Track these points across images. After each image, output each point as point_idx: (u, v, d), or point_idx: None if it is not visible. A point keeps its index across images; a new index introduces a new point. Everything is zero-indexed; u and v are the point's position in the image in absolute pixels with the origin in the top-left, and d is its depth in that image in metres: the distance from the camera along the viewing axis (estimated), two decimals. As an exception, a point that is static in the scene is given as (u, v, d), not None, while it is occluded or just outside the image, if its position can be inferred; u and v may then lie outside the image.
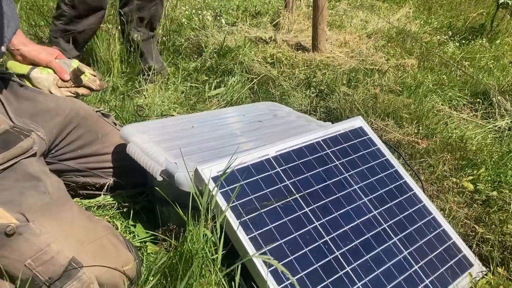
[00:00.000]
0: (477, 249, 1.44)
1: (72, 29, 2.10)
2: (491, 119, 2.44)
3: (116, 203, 1.49)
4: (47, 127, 1.31)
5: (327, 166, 1.37)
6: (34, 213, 1.03)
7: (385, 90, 2.48)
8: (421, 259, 1.29)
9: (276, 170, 1.28)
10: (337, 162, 1.40)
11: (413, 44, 3.47)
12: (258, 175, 1.24)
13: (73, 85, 1.51)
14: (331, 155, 1.41)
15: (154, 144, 1.39)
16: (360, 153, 1.47)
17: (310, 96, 2.48)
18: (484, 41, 3.76)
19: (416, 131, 2.00)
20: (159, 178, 1.28)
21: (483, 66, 3.12)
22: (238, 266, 0.97)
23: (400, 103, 2.26)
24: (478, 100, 2.63)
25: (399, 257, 1.26)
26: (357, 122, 1.56)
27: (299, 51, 3.09)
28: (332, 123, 1.61)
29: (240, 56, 2.64)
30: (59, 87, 1.47)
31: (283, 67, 2.75)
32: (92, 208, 1.47)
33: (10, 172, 1.09)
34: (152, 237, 1.38)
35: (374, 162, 1.47)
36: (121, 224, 1.42)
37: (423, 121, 2.09)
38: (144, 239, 1.38)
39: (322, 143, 1.43)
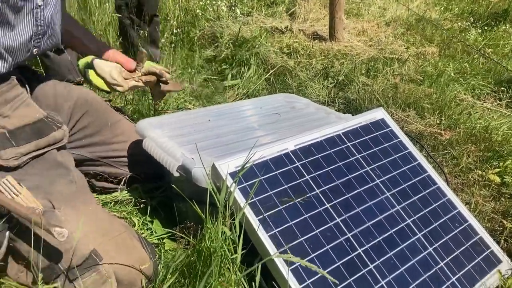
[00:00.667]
0: (505, 245, 1.39)
1: None
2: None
3: (133, 199, 1.47)
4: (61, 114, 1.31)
5: (348, 160, 1.33)
6: (60, 201, 1.04)
7: (406, 80, 2.41)
8: (447, 255, 1.24)
9: (295, 165, 1.24)
10: (358, 156, 1.36)
11: (434, 31, 3.38)
12: (277, 170, 1.21)
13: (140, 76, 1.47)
14: (352, 148, 1.37)
15: (170, 139, 1.36)
16: (382, 146, 1.42)
17: (328, 86, 2.42)
18: (507, 27, 3.64)
19: (438, 122, 1.94)
20: (176, 174, 1.25)
21: (507, 53, 3.02)
22: (258, 266, 0.93)
23: (421, 93, 2.19)
24: (502, 88, 2.54)
25: (423, 254, 1.21)
26: (378, 113, 1.51)
27: (316, 41, 3.02)
28: (352, 115, 1.56)
29: (256, 46, 2.59)
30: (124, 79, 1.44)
31: (299, 57, 2.70)
32: (109, 204, 1.46)
33: (41, 160, 1.11)
34: (169, 234, 1.35)
35: (397, 155, 1.42)
36: (138, 220, 1.40)
37: (446, 111, 2.02)
38: (161, 236, 1.36)
39: (342, 136, 1.39)
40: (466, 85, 2.52)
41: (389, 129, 1.49)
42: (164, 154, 1.30)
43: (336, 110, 2.13)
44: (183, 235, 1.12)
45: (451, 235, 1.30)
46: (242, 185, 1.13)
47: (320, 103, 2.32)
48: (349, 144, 1.37)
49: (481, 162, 1.68)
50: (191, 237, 1.12)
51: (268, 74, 2.45)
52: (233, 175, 1.14)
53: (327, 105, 2.30)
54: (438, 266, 1.21)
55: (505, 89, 2.54)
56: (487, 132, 1.87)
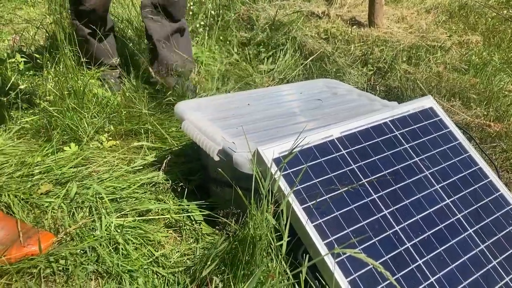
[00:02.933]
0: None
1: None
2: None
3: (170, 182, 1.44)
4: None
5: (396, 150, 1.26)
6: None
7: (449, 69, 2.30)
8: (500, 254, 1.17)
9: (341, 153, 1.18)
10: (406, 145, 1.29)
11: (477, 19, 3.23)
12: (322, 157, 1.15)
13: None
14: (400, 137, 1.30)
15: (210, 122, 1.32)
16: (431, 135, 1.35)
17: (367, 73, 2.34)
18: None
19: (485, 113, 1.84)
20: (216, 158, 1.21)
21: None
22: (305, 258, 0.89)
23: (466, 82, 2.09)
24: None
25: (475, 251, 1.15)
26: (427, 102, 1.43)
27: (354, 27, 2.93)
28: (398, 103, 1.49)
29: (293, 31, 2.52)
30: None
31: (337, 42, 2.61)
32: (146, 185, 1.44)
33: None
34: (206, 218, 1.32)
35: (446, 146, 1.35)
36: (173, 202, 1.37)
37: (493, 102, 1.92)
38: (199, 221, 1.32)
39: (390, 124, 1.32)
40: (512, 75, 2.39)
41: (438, 118, 1.41)
42: (204, 138, 1.26)
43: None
44: (227, 221, 1.08)
45: (504, 232, 1.22)
46: (286, 172, 1.08)
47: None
48: (397, 133, 1.30)
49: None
50: (233, 223, 1.08)
51: (306, 60, 2.37)
52: (277, 161, 1.09)
53: (366, 91, 2.21)
54: (491, 265, 1.14)
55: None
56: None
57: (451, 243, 1.13)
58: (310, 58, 2.38)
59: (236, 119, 1.37)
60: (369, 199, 1.13)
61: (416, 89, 2.03)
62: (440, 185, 1.24)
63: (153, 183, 1.47)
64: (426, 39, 2.70)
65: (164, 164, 1.42)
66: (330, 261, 0.97)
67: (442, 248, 1.12)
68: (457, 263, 1.10)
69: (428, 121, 1.38)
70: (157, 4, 1.89)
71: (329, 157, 1.16)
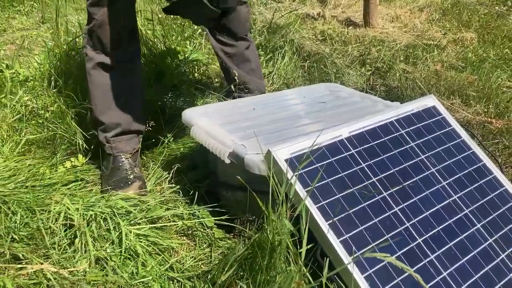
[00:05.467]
0: None
1: None
2: None
3: (180, 189, 1.46)
4: None
5: (402, 148, 1.29)
6: None
7: (447, 67, 2.34)
8: (508, 247, 1.20)
9: (350, 152, 1.21)
10: (412, 144, 1.31)
11: (470, 16, 3.28)
12: (332, 157, 1.18)
13: None
14: (406, 136, 1.33)
15: (218, 127, 1.35)
16: (435, 134, 1.38)
17: (366, 74, 2.37)
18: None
19: (485, 110, 1.88)
20: (227, 161, 1.23)
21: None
22: (326, 261, 0.91)
23: (464, 80, 2.12)
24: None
25: (484, 245, 1.17)
26: (429, 100, 1.46)
27: (350, 27, 2.96)
28: (400, 103, 1.52)
29: (291, 33, 2.55)
30: None
31: (334, 44, 2.65)
32: (155, 193, 1.45)
33: None
34: (218, 223, 1.34)
35: (450, 144, 1.38)
36: (184, 208, 1.39)
37: (492, 99, 1.96)
38: (211, 226, 1.34)
39: (395, 123, 1.34)
40: (509, 71, 2.44)
41: (441, 116, 1.44)
42: (213, 141, 1.28)
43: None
44: (239, 227, 1.09)
45: (510, 226, 1.25)
46: (299, 173, 1.11)
47: (358, 91, 2.27)
48: (402, 131, 1.33)
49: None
50: (247, 230, 1.10)
51: (304, 61, 2.40)
52: (289, 161, 1.11)
53: (366, 92, 2.25)
54: (500, 258, 1.17)
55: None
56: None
57: (460, 237, 1.16)
58: (310, 60, 2.40)
59: (243, 123, 1.39)
60: (380, 197, 1.15)
61: (415, 88, 2.07)
62: (446, 182, 1.27)
63: (163, 191, 1.49)
64: (421, 38, 2.74)
65: (172, 172, 1.44)
66: (346, 259, 0.99)
67: (452, 242, 1.14)
68: (467, 257, 1.13)
69: (432, 120, 1.41)
70: None
71: (339, 156, 1.19)
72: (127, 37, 1.52)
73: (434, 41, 2.67)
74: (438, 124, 1.41)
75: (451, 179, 1.28)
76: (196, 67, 2.27)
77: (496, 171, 1.38)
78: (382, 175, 1.20)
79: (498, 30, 3.05)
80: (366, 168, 1.19)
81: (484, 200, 1.28)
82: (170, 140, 1.73)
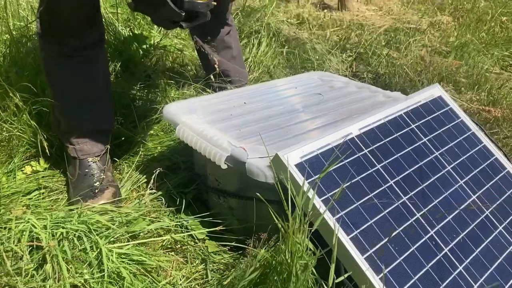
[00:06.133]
0: None
1: None
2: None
3: (163, 196, 1.28)
4: None
5: (416, 145, 1.16)
6: None
7: (431, 52, 2.25)
8: (532, 249, 1.10)
9: (363, 152, 1.07)
10: (425, 139, 1.19)
11: (443, -1, 3.22)
12: (345, 159, 1.03)
13: None
14: (417, 130, 1.20)
15: (209, 126, 1.17)
16: (446, 127, 1.27)
17: (347, 60, 2.24)
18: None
19: (478, 97, 1.79)
20: (224, 166, 1.06)
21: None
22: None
23: (451, 65, 2.03)
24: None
25: (509, 249, 1.07)
26: (435, 90, 1.34)
27: (325, 10, 2.82)
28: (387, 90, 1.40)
29: (266, 16, 2.38)
30: None
31: (312, 28, 2.50)
32: (137, 204, 1.27)
33: None
34: (211, 233, 1.18)
35: (462, 137, 1.27)
36: (170, 220, 1.21)
37: (483, 85, 1.88)
38: (202, 238, 1.18)
39: (405, 117, 1.22)
40: (490, 55, 2.38)
41: (448, 107, 1.32)
42: (206, 144, 1.11)
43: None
44: (254, 249, 0.93)
45: (531, 225, 1.16)
46: (312, 179, 0.96)
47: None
48: (413, 126, 1.21)
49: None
50: (253, 246, 0.94)
51: (283, 47, 2.24)
52: (300, 166, 0.96)
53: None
54: (526, 263, 1.07)
55: (529, 60, 2.41)
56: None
57: (485, 243, 1.06)
58: (287, 46, 2.25)
59: (236, 120, 1.23)
60: (400, 202, 1.02)
61: (403, 74, 1.96)
62: (463, 181, 1.16)
63: (142, 198, 1.31)
64: (400, 21, 2.63)
65: (153, 177, 1.25)
66: (374, 280, 0.86)
67: (478, 250, 1.03)
68: (495, 265, 1.02)
69: (440, 111, 1.30)
70: None
71: (352, 158, 1.04)
72: (87, 21, 1.28)
73: (414, 25, 2.57)
74: (447, 116, 1.30)
75: (468, 177, 1.17)
76: (168, 54, 2.06)
77: (509, 165, 1.28)
78: (399, 177, 1.07)
79: (471, 13, 3.00)
80: (381, 170, 1.06)
81: (502, 198, 1.18)
82: (146, 138, 1.53)
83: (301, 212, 0.85)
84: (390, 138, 1.14)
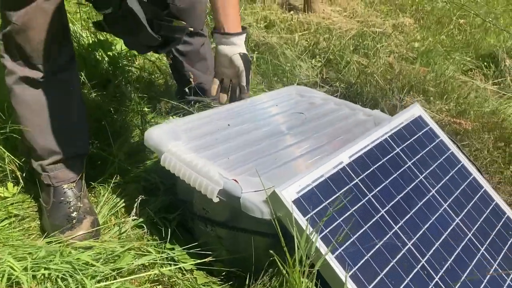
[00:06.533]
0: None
1: None
2: (502, 85, 2.34)
3: (145, 225, 1.24)
4: None
5: (402, 169, 1.18)
6: None
7: (398, 58, 2.29)
8: (510, 268, 1.16)
9: (355, 182, 1.07)
10: (409, 163, 1.21)
11: None
12: (338, 190, 1.03)
13: None
14: (402, 154, 1.22)
15: (196, 154, 1.14)
16: (427, 148, 1.29)
17: (317, 66, 2.24)
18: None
19: (447, 107, 1.84)
20: (216, 200, 1.04)
21: (480, 25, 2.99)
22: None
23: (418, 73, 2.08)
24: (484, 63, 2.51)
25: (491, 271, 1.12)
26: (415, 110, 1.36)
27: (292, 12, 2.81)
28: (356, 101, 1.42)
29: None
30: None
31: (281, 31, 2.48)
32: (122, 236, 1.22)
33: None
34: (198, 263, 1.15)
35: (442, 158, 1.30)
36: (156, 251, 1.17)
37: (450, 94, 1.93)
38: (191, 268, 1.15)
39: (390, 140, 1.23)
40: (452, 60, 2.45)
41: (428, 127, 1.35)
42: (195, 175, 1.07)
43: (334, 94, 1.98)
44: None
45: (508, 244, 1.21)
46: (309, 215, 0.95)
47: (311, 84, 2.15)
48: (398, 149, 1.22)
49: (507, 154, 1.60)
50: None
51: (253, 52, 2.21)
52: (297, 203, 0.95)
53: (318, 87, 2.13)
54: (506, 284, 1.12)
55: (487, 64, 2.51)
56: (496, 117, 1.80)
57: (470, 267, 1.09)
58: (257, 51, 2.22)
59: (223, 146, 1.20)
60: (392, 232, 1.03)
61: (374, 83, 1.98)
62: (447, 204, 1.19)
63: (122, 226, 1.26)
64: (365, 25, 2.66)
65: (135, 206, 1.21)
66: (377, 320, 0.87)
67: (465, 274, 1.07)
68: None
69: (421, 132, 1.32)
70: None
71: (345, 188, 1.04)
72: (56, 42, 1.20)
73: (380, 28, 2.61)
74: (428, 137, 1.33)
75: (450, 200, 1.21)
76: (138, 61, 1.98)
77: (485, 183, 1.33)
78: (390, 206, 1.08)
79: (431, 15, 3.08)
80: (373, 200, 1.07)
81: (482, 219, 1.23)
82: (122, 158, 1.47)
83: (305, 256, 0.84)
84: (378, 164, 1.15)
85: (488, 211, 1.26)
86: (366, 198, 1.06)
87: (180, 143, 1.17)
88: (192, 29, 1.60)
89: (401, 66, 2.12)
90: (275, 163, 1.14)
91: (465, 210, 1.21)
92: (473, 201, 1.25)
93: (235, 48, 1.29)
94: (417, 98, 1.88)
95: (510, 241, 1.23)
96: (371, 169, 1.13)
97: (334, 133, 1.32)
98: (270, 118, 1.38)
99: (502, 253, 1.18)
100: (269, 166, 1.12)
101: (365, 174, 1.11)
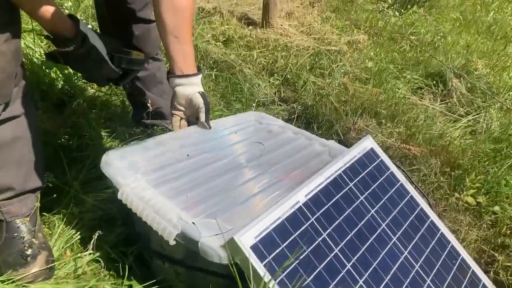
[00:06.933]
0: (494, 276, 1.43)
1: None
2: (449, 104, 2.46)
3: (102, 260, 1.23)
4: None
5: (355, 205, 1.23)
6: None
7: (352, 78, 2.36)
8: (454, 299, 1.23)
9: (310, 221, 1.11)
10: (361, 198, 1.27)
11: (358, 15, 3.37)
12: (295, 231, 1.07)
13: None
14: (355, 189, 1.27)
15: (154, 190, 1.14)
16: (378, 181, 1.35)
17: (274, 83, 2.28)
18: (415, 8, 3.77)
19: (397, 130, 1.92)
20: (173, 243, 1.05)
21: (430, 43, 3.12)
22: None
23: (371, 94, 2.15)
24: (434, 82, 2.62)
25: (436, 302, 1.19)
26: (368, 143, 1.42)
27: (250, 27, 2.83)
28: (313, 123, 1.47)
29: (194, 38, 2.33)
30: None
31: (239, 48, 2.50)
32: (75, 266, 1.21)
33: None
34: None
35: (392, 191, 1.37)
36: (112, 286, 1.17)
37: (400, 116, 2.02)
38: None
39: (343, 175, 1.28)
40: (402, 79, 2.55)
41: (379, 159, 1.41)
42: (153, 215, 1.08)
43: (291, 115, 2.02)
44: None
45: (451, 274, 1.29)
46: (266, 260, 0.98)
47: (268, 103, 2.18)
48: (351, 184, 1.27)
49: (452, 178, 1.70)
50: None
51: (212, 70, 2.22)
52: (254, 248, 0.98)
53: (276, 105, 2.17)
54: (450, 314, 1.19)
55: (436, 82, 2.63)
56: (442, 139, 1.90)
57: (417, 300, 1.16)
58: (216, 69, 2.23)
59: (182, 180, 1.21)
60: (345, 270, 1.08)
61: (328, 104, 2.04)
62: (396, 237, 1.25)
63: (78, 260, 1.25)
64: (322, 42, 2.73)
65: (92, 243, 1.20)
66: None
67: (412, 308, 1.13)
68: (426, 322, 1.13)
69: (373, 165, 1.38)
70: None
71: (301, 229, 1.08)
72: (12, 81, 1.15)
73: (335, 46, 2.68)
74: (379, 169, 1.39)
75: (399, 233, 1.27)
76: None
77: (432, 214, 1.41)
78: (343, 243, 1.13)
79: (384, 31, 3.18)
80: (327, 238, 1.11)
81: (428, 250, 1.30)
82: (78, 188, 1.45)
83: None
84: (332, 201, 1.19)
85: (434, 241, 1.34)
86: (321, 238, 1.10)
87: (138, 177, 1.17)
88: (151, 60, 1.60)
89: (355, 88, 2.19)
90: (234, 202, 1.16)
91: (413, 243, 1.28)
92: (420, 233, 1.32)
93: (195, 88, 1.31)
94: (369, 121, 1.95)
95: (453, 271, 1.30)
96: (326, 206, 1.17)
97: (291, 166, 1.36)
98: (229, 148, 1.40)
99: (446, 283, 1.26)
100: (228, 205, 1.14)
101: (320, 212, 1.15)
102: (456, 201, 1.58)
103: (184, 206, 1.11)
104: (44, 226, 1.39)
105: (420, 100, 2.39)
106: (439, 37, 3.14)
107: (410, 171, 1.71)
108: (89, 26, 1.20)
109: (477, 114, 2.22)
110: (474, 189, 1.61)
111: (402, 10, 3.70)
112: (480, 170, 1.72)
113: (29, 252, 1.21)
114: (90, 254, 1.25)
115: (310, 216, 1.12)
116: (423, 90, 2.57)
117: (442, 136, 1.95)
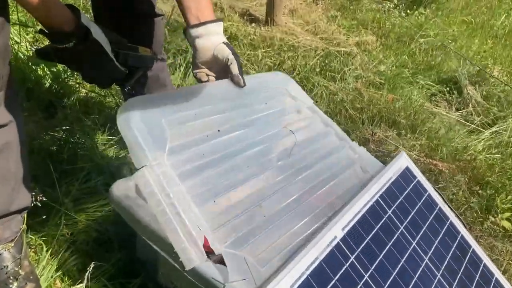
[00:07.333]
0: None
1: None
2: (464, 112, 2.33)
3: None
4: None
5: (395, 237, 1.07)
6: None
7: (365, 83, 2.20)
8: None
9: (350, 261, 0.95)
10: (401, 227, 1.11)
11: (365, 14, 3.21)
12: (334, 275, 0.90)
13: None
14: (394, 217, 1.11)
15: (181, 185, 0.90)
16: (417, 206, 1.20)
17: (282, 87, 2.10)
18: (424, 10, 3.63)
19: (419, 142, 1.77)
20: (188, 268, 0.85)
21: (439, 46, 2.97)
22: None
23: (388, 101, 2.00)
24: (447, 88, 2.48)
25: None
26: (403, 161, 1.27)
27: (253, 24, 2.65)
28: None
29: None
30: None
31: (243, 47, 2.31)
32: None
33: None
34: None
35: (432, 217, 1.22)
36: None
37: (420, 126, 1.87)
38: None
39: (381, 201, 1.12)
40: (415, 84, 2.40)
41: (416, 180, 1.26)
42: (175, 226, 0.85)
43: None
44: None
45: (499, 313, 1.15)
46: (305, 313, 0.81)
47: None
48: (389, 212, 1.11)
49: (484, 199, 1.55)
50: None
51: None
52: (291, 300, 0.80)
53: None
54: None
55: (449, 89, 2.49)
56: (466, 153, 1.75)
57: None
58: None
59: (210, 172, 0.96)
60: (391, 320, 0.92)
61: (343, 112, 1.87)
62: (440, 272, 1.10)
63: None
64: (329, 42, 2.56)
65: (87, 274, 1.01)
66: None
67: None
68: None
69: (410, 187, 1.23)
70: None
71: (341, 271, 0.91)
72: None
73: (344, 47, 2.51)
74: (416, 192, 1.23)
75: (443, 267, 1.12)
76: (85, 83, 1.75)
77: (472, 241, 1.26)
78: (386, 286, 0.96)
79: (392, 33, 3.03)
80: (369, 281, 0.95)
81: (474, 286, 1.15)
82: (68, 207, 1.26)
83: None
84: (372, 234, 1.03)
85: (478, 275, 1.19)
86: (363, 281, 0.94)
87: (164, 157, 0.91)
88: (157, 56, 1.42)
89: (370, 94, 2.03)
90: (262, 223, 0.97)
91: (458, 277, 1.13)
92: (463, 266, 1.17)
93: (217, 38, 1.08)
94: (387, 131, 1.79)
95: (501, 309, 1.16)
96: (365, 241, 1.01)
97: (322, 175, 1.15)
98: (261, 128, 1.17)
99: (495, 325, 1.11)
100: (257, 228, 0.95)
101: (360, 249, 0.98)
102: (491, 225, 1.43)
103: (210, 217, 0.91)
104: (30, 250, 1.20)
105: (436, 108, 2.24)
106: (449, 41, 3.00)
107: (438, 189, 1.56)
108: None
109: (498, 126, 2.08)
110: (508, 211, 1.46)
111: (408, 11, 3.55)
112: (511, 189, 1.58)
113: (14, 286, 1.02)
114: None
115: (350, 254, 0.95)
116: (437, 97, 2.42)
117: (465, 150, 1.80)
